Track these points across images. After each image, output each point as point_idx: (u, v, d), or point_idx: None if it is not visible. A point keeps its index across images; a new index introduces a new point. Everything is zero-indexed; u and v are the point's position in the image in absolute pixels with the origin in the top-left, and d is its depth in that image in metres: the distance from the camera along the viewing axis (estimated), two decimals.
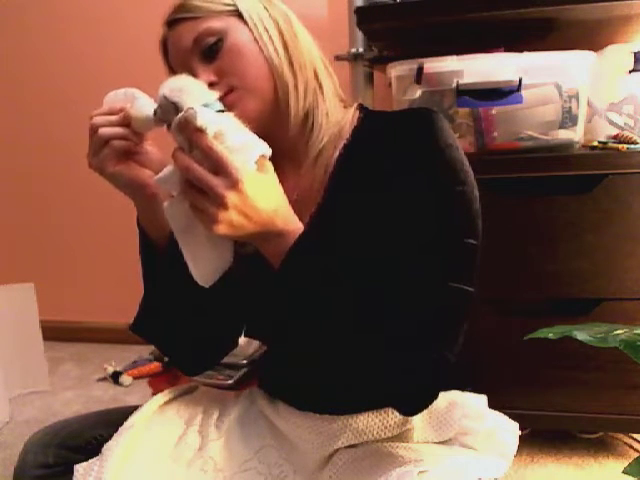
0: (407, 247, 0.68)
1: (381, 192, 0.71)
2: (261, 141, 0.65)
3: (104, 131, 0.70)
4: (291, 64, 0.75)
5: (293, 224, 0.67)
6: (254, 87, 0.73)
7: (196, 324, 0.81)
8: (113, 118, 0.71)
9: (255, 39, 0.74)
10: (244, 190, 0.60)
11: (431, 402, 0.69)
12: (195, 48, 0.73)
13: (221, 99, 0.69)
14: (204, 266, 0.70)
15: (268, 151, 0.65)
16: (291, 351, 0.83)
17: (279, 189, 0.67)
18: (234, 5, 0.75)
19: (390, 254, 0.68)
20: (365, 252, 0.70)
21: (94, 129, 0.71)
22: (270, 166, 0.66)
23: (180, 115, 0.61)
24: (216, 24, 0.73)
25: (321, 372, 0.76)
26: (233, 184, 0.59)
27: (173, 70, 0.78)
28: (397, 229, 0.69)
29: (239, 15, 0.75)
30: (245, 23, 0.74)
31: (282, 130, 0.77)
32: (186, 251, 0.70)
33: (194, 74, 0.73)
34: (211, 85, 0.71)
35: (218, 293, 0.73)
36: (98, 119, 0.71)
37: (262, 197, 0.62)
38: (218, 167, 0.59)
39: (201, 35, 0.73)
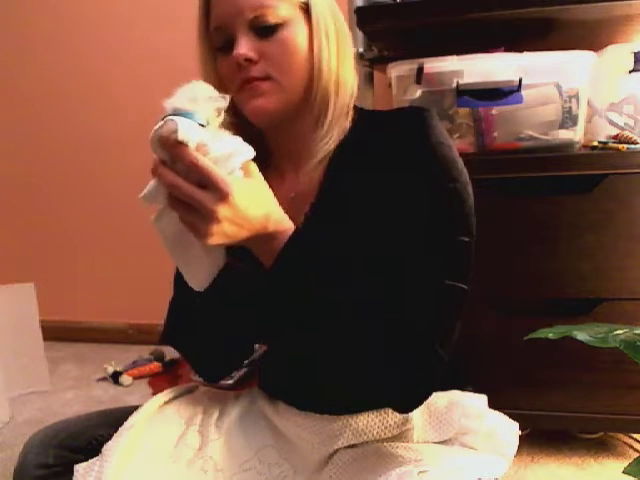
0: (400, 245, 0.68)
1: (374, 190, 0.71)
2: (243, 144, 0.64)
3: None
4: (337, 75, 0.76)
5: (284, 225, 0.67)
6: (289, 86, 0.73)
7: (222, 332, 0.81)
8: None
9: (311, 39, 0.74)
10: (234, 201, 0.59)
11: (425, 399, 0.69)
12: (251, 19, 0.71)
13: (251, 81, 0.70)
14: (198, 272, 0.70)
15: (252, 154, 0.64)
16: (287, 350, 0.83)
17: (267, 191, 0.67)
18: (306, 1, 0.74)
19: (383, 252, 0.68)
20: (358, 251, 0.70)
21: None
22: (255, 168, 0.65)
23: (158, 129, 0.59)
24: (282, 9, 0.72)
25: (318, 371, 0.76)
26: (222, 197, 0.58)
27: (207, 21, 0.75)
28: (390, 227, 0.69)
29: (306, 10, 0.74)
30: (308, 21, 0.74)
31: (294, 130, 0.77)
32: (179, 260, 0.70)
33: (234, 38, 0.72)
34: (248, 61, 0.71)
35: (238, 302, 0.74)
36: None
37: (252, 204, 0.62)
38: (205, 181, 0.58)
39: (264, 11, 0.71)
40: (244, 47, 0.71)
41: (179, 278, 0.78)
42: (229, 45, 0.73)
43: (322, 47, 0.74)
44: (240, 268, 0.73)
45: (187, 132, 0.58)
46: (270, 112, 0.73)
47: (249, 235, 0.64)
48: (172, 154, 0.59)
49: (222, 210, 0.59)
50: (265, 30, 0.72)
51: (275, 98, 0.73)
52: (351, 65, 0.78)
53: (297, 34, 0.73)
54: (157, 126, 0.59)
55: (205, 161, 0.58)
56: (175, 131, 0.57)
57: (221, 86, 0.75)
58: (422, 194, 0.69)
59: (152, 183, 0.63)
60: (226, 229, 0.60)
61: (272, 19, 0.71)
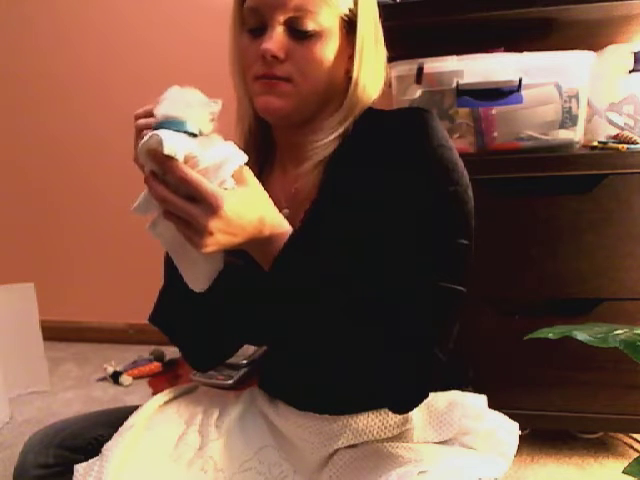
0: (399, 246, 0.68)
1: (373, 190, 0.71)
2: (235, 150, 0.63)
3: (138, 122, 0.65)
4: (368, 93, 0.77)
5: (281, 228, 0.67)
6: (306, 92, 0.73)
7: (210, 321, 0.81)
8: (150, 107, 0.65)
9: (343, 51, 0.74)
10: (226, 214, 0.59)
11: (422, 400, 0.69)
12: (290, 17, 0.70)
13: (271, 77, 0.70)
14: (197, 274, 0.70)
15: (243, 160, 0.63)
16: (286, 350, 0.83)
17: (262, 195, 0.66)
18: (354, 14, 0.73)
19: (382, 253, 0.68)
20: (355, 251, 0.70)
21: (135, 119, 0.66)
22: (248, 173, 0.65)
23: (145, 142, 0.58)
24: (324, 17, 0.70)
25: (317, 371, 0.76)
26: (213, 211, 0.58)
27: (242, 7, 0.74)
28: (389, 228, 0.69)
29: (348, 22, 0.73)
30: (347, 34, 0.74)
31: (300, 132, 0.77)
32: (178, 262, 0.70)
33: (266, 26, 0.71)
34: (274, 57, 0.70)
35: (228, 295, 0.74)
36: (139, 110, 0.66)
37: (245, 212, 0.62)
38: (195, 195, 0.58)
39: (305, 15, 0.70)
40: (274, 43, 0.70)
41: (169, 263, 0.78)
42: (259, 30, 0.72)
43: (361, 66, 0.74)
44: (240, 265, 0.73)
45: (173, 145, 0.57)
46: (281, 114, 0.73)
47: (244, 240, 0.64)
48: (161, 167, 0.59)
49: (213, 223, 0.59)
50: (300, 33, 0.71)
51: (290, 101, 0.73)
52: (382, 79, 0.79)
53: (329, 46, 0.72)
54: (144, 140, 0.58)
55: (194, 175, 0.58)
56: (161, 144, 0.57)
57: (243, 65, 0.75)
58: (422, 196, 0.69)
59: (144, 194, 0.63)
60: (219, 239, 0.61)
61: (311, 25, 0.70)
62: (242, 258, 0.71)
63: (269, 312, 0.72)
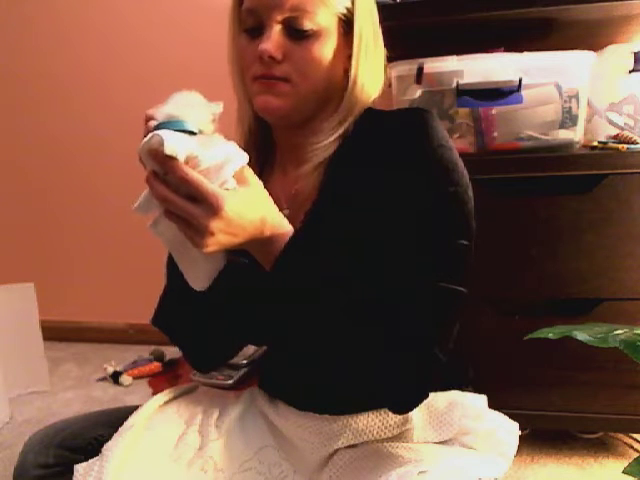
0: (398, 247, 0.68)
1: (373, 191, 0.71)
2: (236, 150, 0.63)
3: (150, 123, 0.63)
4: (368, 91, 0.76)
5: (282, 228, 0.67)
6: (305, 92, 0.73)
7: (211, 322, 0.81)
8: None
9: (341, 51, 0.74)
10: (226, 214, 0.59)
11: (422, 400, 0.69)
12: (287, 17, 0.70)
13: (270, 77, 0.70)
14: (197, 273, 0.71)
15: (245, 160, 0.63)
16: (286, 350, 0.83)
17: (263, 196, 0.66)
18: (351, 13, 0.73)
19: (381, 254, 0.68)
20: (356, 252, 0.70)
21: (146, 120, 0.65)
22: (250, 173, 0.64)
23: (146, 142, 0.58)
24: (321, 17, 0.70)
25: (317, 371, 0.76)
26: (214, 211, 0.58)
27: (239, 7, 0.74)
28: (389, 228, 0.69)
29: (345, 21, 0.73)
30: (345, 33, 0.73)
31: (300, 132, 0.77)
32: (179, 261, 0.70)
33: (263, 26, 0.71)
34: (272, 58, 0.70)
35: (229, 294, 0.74)
36: (150, 110, 0.65)
37: (246, 213, 0.62)
38: (196, 196, 0.58)
39: (302, 15, 0.69)
40: (271, 44, 0.70)
41: (171, 265, 0.78)
42: (256, 31, 0.72)
43: (359, 65, 0.74)
44: (242, 263, 0.73)
45: (174, 145, 0.57)
46: (280, 113, 0.73)
47: (245, 240, 0.64)
48: (162, 167, 0.59)
49: (214, 224, 0.59)
50: (297, 33, 0.71)
51: (288, 101, 0.73)
52: (382, 79, 0.79)
53: (327, 45, 0.72)
54: (145, 140, 0.59)
55: (195, 175, 0.58)
56: (162, 144, 0.57)
57: (241, 66, 0.75)
58: (422, 196, 0.69)
59: (145, 193, 0.63)
60: (220, 239, 0.61)
61: (308, 25, 0.70)
62: (244, 257, 0.71)
63: (269, 312, 0.71)
